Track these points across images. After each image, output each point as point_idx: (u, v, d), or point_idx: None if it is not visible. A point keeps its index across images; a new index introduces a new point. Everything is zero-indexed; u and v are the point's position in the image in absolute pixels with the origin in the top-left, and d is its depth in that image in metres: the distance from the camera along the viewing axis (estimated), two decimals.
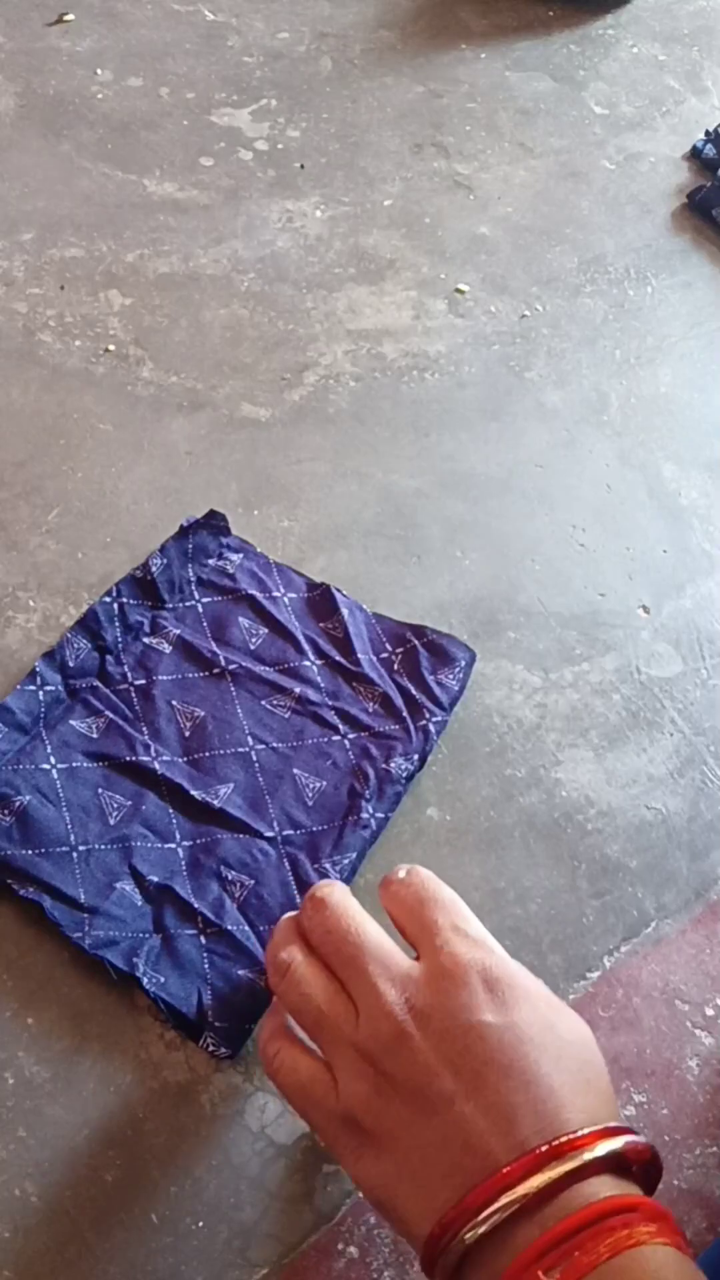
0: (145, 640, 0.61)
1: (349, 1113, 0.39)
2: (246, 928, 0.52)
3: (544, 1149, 0.36)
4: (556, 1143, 0.36)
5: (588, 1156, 0.36)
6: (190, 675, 0.60)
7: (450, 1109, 0.38)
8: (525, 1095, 0.37)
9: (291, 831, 0.55)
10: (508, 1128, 0.37)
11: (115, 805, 0.55)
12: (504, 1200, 0.35)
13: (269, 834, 0.55)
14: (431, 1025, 0.39)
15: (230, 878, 0.53)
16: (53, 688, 0.58)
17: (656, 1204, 0.36)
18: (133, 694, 0.59)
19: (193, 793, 0.55)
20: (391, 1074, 0.39)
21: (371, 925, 0.43)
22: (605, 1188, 0.36)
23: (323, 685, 0.60)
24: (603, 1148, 0.36)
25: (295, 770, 0.57)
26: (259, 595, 0.63)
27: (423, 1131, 0.38)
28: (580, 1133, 0.36)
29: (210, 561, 0.64)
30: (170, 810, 0.55)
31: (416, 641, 0.62)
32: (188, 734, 0.58)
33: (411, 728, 0.59)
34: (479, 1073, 0.38)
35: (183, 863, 0.54)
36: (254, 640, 0.62)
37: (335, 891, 0.44)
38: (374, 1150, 0.39)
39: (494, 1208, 0.35)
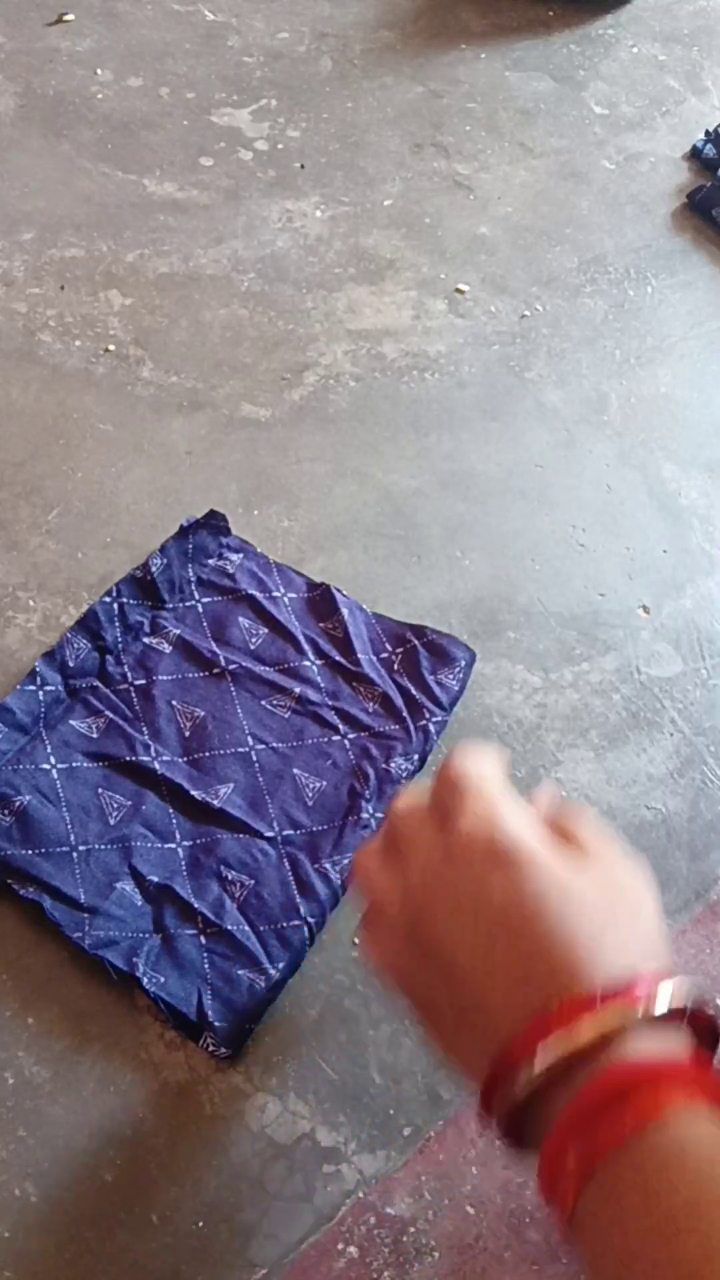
0: (145, 640, 0.61)
1: (394, 985, 0.41)
2: (246, 928, 0.52)
3: (554, 1009, 0.35)
4: (568, 1001, 0.35)
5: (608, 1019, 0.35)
6: (190, 675, 0.60)
7: (471, 979, 0.37)
8: (537, 959, 0.37)
9: (291, 831, 0.55)
10: (522, 989, 0.36)
11: (115, 805, 0.55)
12: (521, 1079, 0.35)
13: (269, 834, 0.55)
14: (440, 902, 0.39)
15: (230, 878, 0.53)
16: (53, 688, 0.58)
17: (691, 1064, 0.35)
18: (133, 694, 0.59)
19: (193, 793, 0.55)
20: (417, 946, 0.39)
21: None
22: (637, 1045, 0.35)
23: (323, 685, 0.60)
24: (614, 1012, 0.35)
25: (295, 770, 0.57)
26: (259, 595, 0.63)
27: (453, 1000, 0.38)
28: (594, 990, 0.36)
29: (210, 561, 0.64)
30: (170, 810, 0.55)
31: (416, 641, 0.62)
32: (188, 734, 0.58)
33: (411, 728, 0.59)
34: (489, 941, 0.37)
35: (183, 863, 0.54)
36: (254, 640, 0.61)
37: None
38: (422, 1018, 0.40)
39: (510, 1088, 0.35)
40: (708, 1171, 0.32)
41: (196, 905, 0.52)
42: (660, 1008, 0.36)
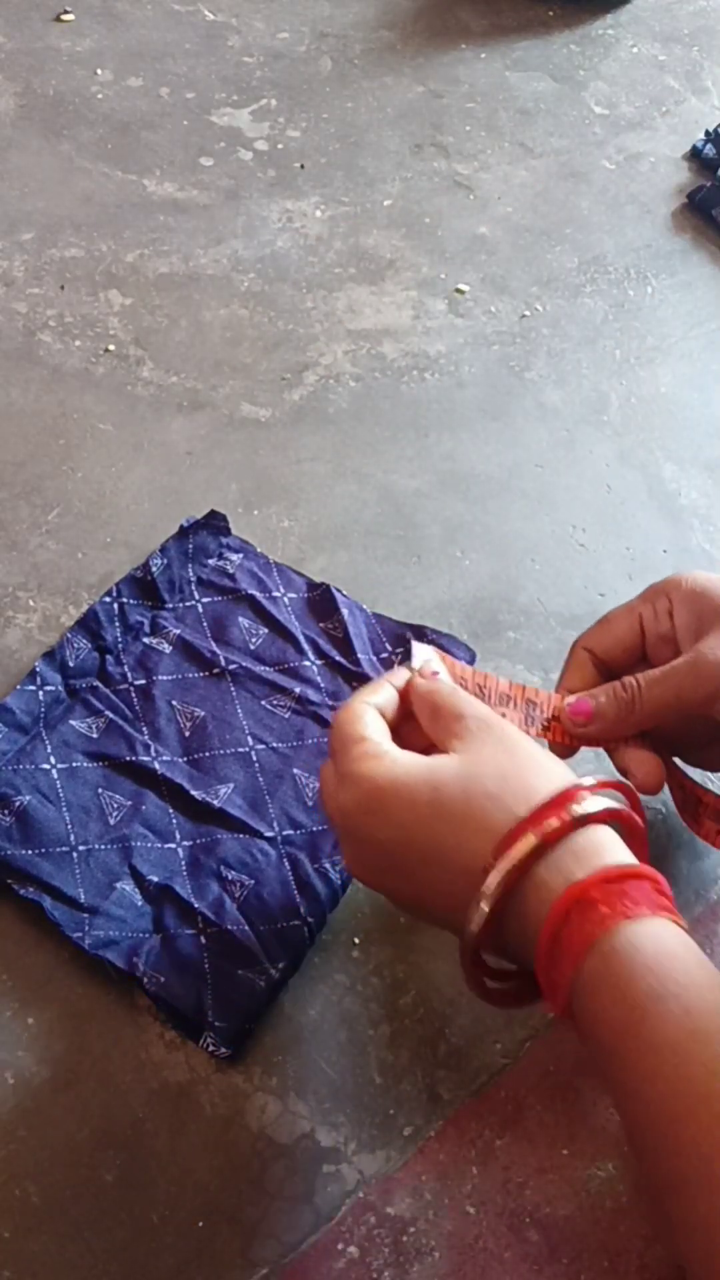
0: (145, 640, 0.61)
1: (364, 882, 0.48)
2: (246, 927, 0.52)
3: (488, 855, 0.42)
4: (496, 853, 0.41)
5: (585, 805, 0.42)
6: (190, 675, 0.60)
7: (418, 891, 0.44)
8: (458, 851, 0.43)
9: (291, 831, 0.55)
10: (460, 873, 0.42)
11: (115, 805, 0.55)
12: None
13: (269, 834, 0.55)
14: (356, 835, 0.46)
15: (230, 878, 0.53)
16: (53, 688, 0.58)
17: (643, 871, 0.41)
18: (133, 694, 0.59)
19: (193, 793, 0.55)
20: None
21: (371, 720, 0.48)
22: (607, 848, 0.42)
23: (323, 685, 0.60)
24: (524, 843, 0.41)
25: (295, 770, 0.57)
26: (259, 595, 0.63)
27: (416, 894, 0.45)
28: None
29: (210, 561, 0.64)
30: (170, 810, 0.55)
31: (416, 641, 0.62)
32: (188, 734, 0.58)
33: None
34: (413, 867, 0.44)
35: (183, 863, 0.54)
36: (254, 640, 0.61)
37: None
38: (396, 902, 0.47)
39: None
40: (656, 962, 0.38)
41: (196, 905, 0.52)
42: (590, 809, 0.42)
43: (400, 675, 0.49)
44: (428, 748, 0.47)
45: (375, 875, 0.46)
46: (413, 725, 0.48)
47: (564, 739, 0.53)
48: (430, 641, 0.62)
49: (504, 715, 0.50)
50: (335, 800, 0.46)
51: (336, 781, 0.46)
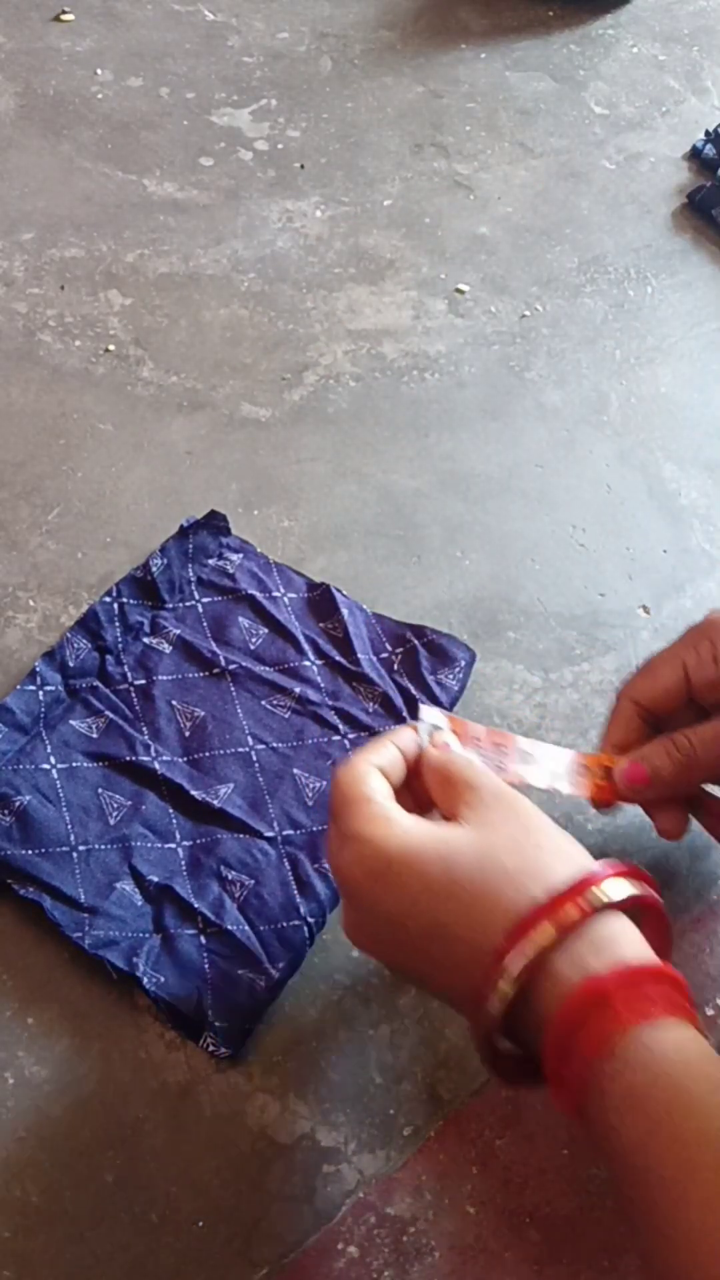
0: (145, 640, 0.61)
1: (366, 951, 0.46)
2: (246, 928, 0.52)
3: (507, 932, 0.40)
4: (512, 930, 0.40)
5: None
6: (190, 675, 0.60)
7: (426, 970, 0.43)
8: (469, 926, 0.41)
9: (292, 831, 0.55)
10: (470, 951, 0.41)
11: (115, 805, 0.55)
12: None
13: (269, 834, 0.55)
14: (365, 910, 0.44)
15: (230, 877, 0.53)
16: (53, 688, 0.58)
17: (661, 969, 0.39)
18: (133, 694, 0.59)
19: (193, 793, 0.55)
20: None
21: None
22: (625, 940, 0.40)
23: (323, 685, 0.60)
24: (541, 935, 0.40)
25: (295, 770, 0.57)
26: (259, 595, 0.63)
27: (420, 963, 0.43)
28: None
29: (210, 561, 0.64)
30: (170, 810, 0.55)
31: (416, 641, 0.62)
32: (188, 734, 0.58)
33: None
34: (421, 943, 0.42)
35: (183, 863, 0.54)
36: (254, 640, 0.61)
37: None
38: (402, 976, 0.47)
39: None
40: (673, 1070, 0.37)
41: (196, 905, 0.52)
42: (610, 896, 0.40)
43: (404, 735, 0.48)
44: (427, 811, 0.46)
45: (375, 943, 0.45)
46: (413, 788, 0.47)
47: (611, 797, 0.52)
48: (429, 642, 0.62)
49: (524, 777, 0.50)
50: (337, 861, 0.44)
51: (340, 842, 0.44)
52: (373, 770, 0.45)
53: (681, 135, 0.95)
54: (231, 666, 0.60)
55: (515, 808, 0.44)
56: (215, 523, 0.65)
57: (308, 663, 0.61)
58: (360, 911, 0.44)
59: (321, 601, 0.63)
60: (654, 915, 0.43)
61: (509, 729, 0.61)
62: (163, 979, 0.50)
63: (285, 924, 0.52)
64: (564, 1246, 0.47)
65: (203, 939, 0.51)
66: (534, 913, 0.40)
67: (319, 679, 0.60)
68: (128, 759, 0.56)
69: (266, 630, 0.62)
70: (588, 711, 0.62)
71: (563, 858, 0.42)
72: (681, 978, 0.40)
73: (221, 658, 0.60)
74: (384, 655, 0.62)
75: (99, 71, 0.91)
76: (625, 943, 0.40)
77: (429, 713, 0.50)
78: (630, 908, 0.42)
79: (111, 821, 0.54)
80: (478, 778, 0.45)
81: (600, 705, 0.63)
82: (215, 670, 0.60)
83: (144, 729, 0.58)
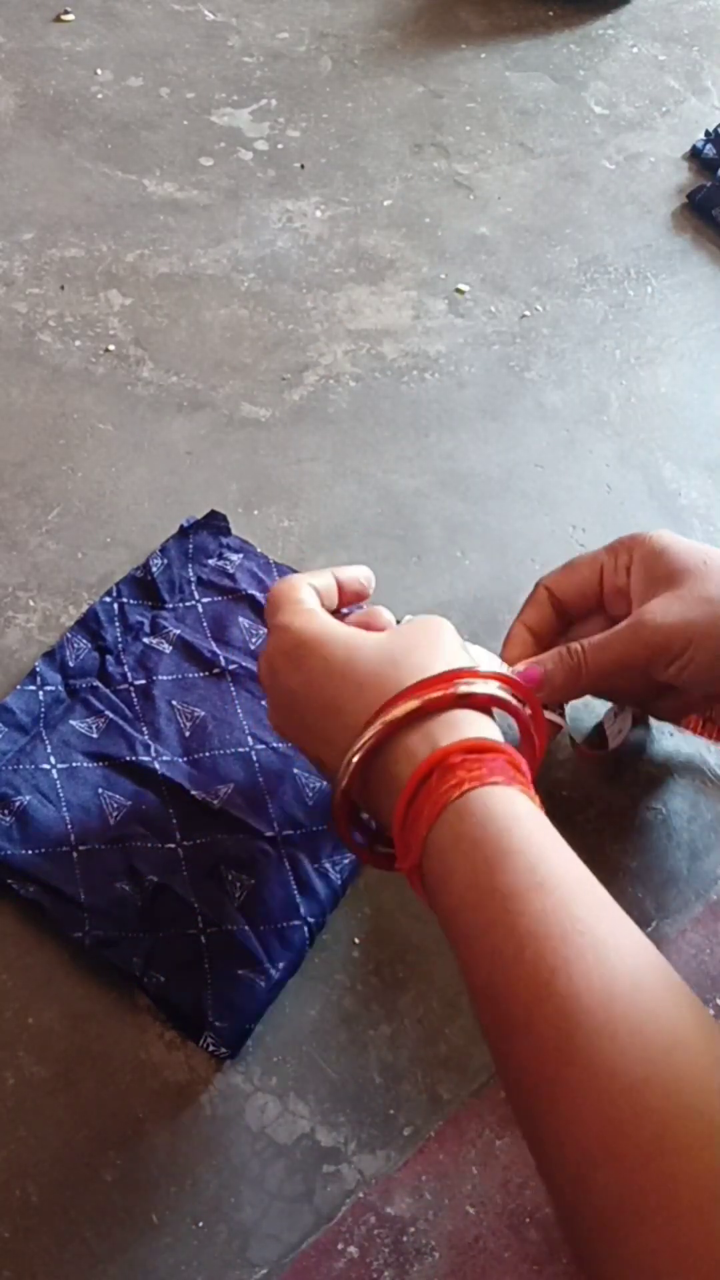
0: (145, 640, 0.61)
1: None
2: (246, 927, 0.52)
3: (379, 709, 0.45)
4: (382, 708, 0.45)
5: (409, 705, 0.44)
6: (190, 675, 0.60)
7: (320, 729, 0.47)
8: (356, 699, 0.46)
9: (291, 831, 0.55)
10: (355, 717, 0.45)
11: (115, 805, 0.55)
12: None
13: (269, 834, 0.55)
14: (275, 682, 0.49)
15: (230, 877, 0.53)
16: (53, 688, 0.58)
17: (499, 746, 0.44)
18: (133, 694, 0.59)
19: (193, 793, 0.55)
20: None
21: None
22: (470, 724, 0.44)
23: None
24: (404, 705, 0.44)
25: (295, 770, 0.57)
26: (259, 595, 0.63)
27: (319, 744, 0.48)
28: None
29: (210, 561, 0.64)
30: (170, 810, 0.55)
31: None
32: (188, 734, 0.58)
33: None
34: (319, 712, 0.47)
35: (182, 862, 0.54)
36: (254, 640, 0.61)
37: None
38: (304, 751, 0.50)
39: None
40: (506, 824, 0.41)
41: (196, 905, 0.52)
42: (476, 689, 0.45)
43: (346, 569, 0.53)
44: None
45: (285, 722, 0.50)
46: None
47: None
48: None
49: None
50: (262, 651, 0.50)
51: (267, 637, 0.50)
52: (305, 584, 0.51)
53: (681, 135, 0.95)
54: (231, 666, 0.60)
55: (434, 626, 0.48)
56: (215, 523, 0.65)
57: None
58: (274, 691, 0.49)
59: None
60: (524, 733, 0.48)
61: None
62: (163, 979, 0.50)
63: (285, 924, 0.52)
64: (564, 1246, 0.47)
65: (202, 939, 0.51)
66: (402, 692, 0.44)
67: None
68: (128, 759, 0.56)
69: (266, 630, 0.62)
70: (588, 711, 0.62)
71: (448, 658, 0.46)
72: (522, 759, 0.44)
73: (221, 658, 0.60)
74: None
75: (99, 71, 0.91)
76: (477, 727, 0.44)
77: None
78: (491, 705, 0.46)
79: (111, 821, 0.54)
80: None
81: (600, 705, 0.63)
82: (215, 670, 0.60)
83: (144, 729, 0.58)
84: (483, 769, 0.42)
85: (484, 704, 0.46)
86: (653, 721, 0.62)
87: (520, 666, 0.54)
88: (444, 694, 0.44)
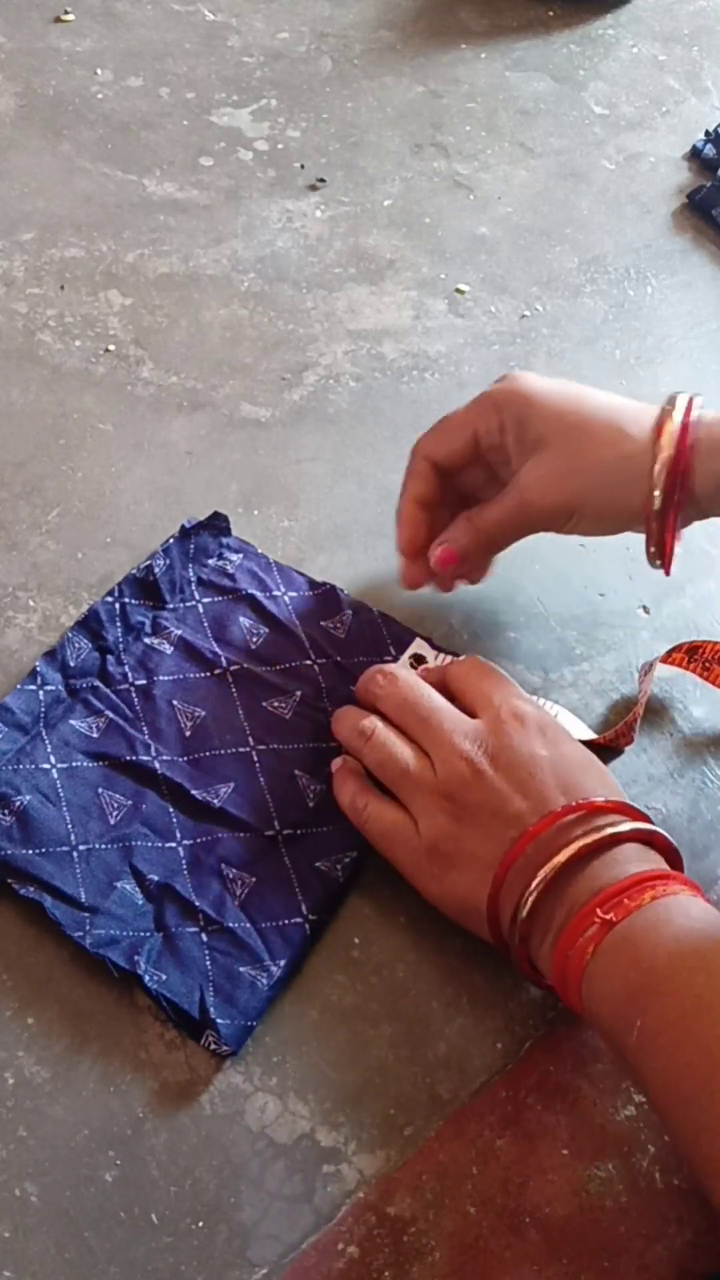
0: (146, 640, 0.61)
1: (432, 844, 0.49)
2: (248, 925, 0.52)
3: (570, 806, 0.47)
4: (578, 803, 0.47)
5: (620, 825, 0.47)
6: (191, 675, 0.60)
7: (521, 823, 0.48)
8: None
9: (292, 831, 0.55)
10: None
11: (115, 805, 0.55)
12: (544, 856, 0.46)
13: (269, 833, 0.55)
14: (500, 761, 0.50)
15: (231, 876, 0.53)
16: (53, 687, 0.58)
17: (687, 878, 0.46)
18: (133, 694, 0.59)
19: (193, 792, 0.55)
20: (470, 804, 0.49)
21: (437, 694, 0.53)
22: (641, 860, 0.46)
23: (324, 685, 0.60)
24: (628, 825, 0.47)
25: (296, 771, 0.57)
26: (259, 595, 0.63)
27: (499, 845, 0.48)
28: (598, 798, 0.48)
29: (210, 562, 0.64)
30: (171, 810, 0.55)
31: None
32: (188, 734, 0.58)
33: None
34: (541, 793, 0.48)
35: (183, 862, 0.54)
36: (255, 640, 0.61)
37: (402, 670, 0.55)
38: (456, 869, 0.49)
39: (541, 868, 0.46)
40: (683, 934, 0.42)
41: (197, 903, 0.52)
42: (626, 826, 0.47)
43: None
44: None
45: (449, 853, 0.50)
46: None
47: (420, 578, 0.61)
48: (432, 643, 0.62)
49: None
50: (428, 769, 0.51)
51: (425, 760, 0.52)
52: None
53: (681, 135, 0.95)
54: (232, 667, 0.60)
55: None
56: (217, 524, 0.65)
57: (309, 663, 0.61)
58: (497, 752, 0.51)
59: (323, 601, 0.63)
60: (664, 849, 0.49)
61: None
62: (164, 977, 0.50)
63: (286, 921, 0.52)
64: (564, 1246, 0.47)
65: (204, 936, 0.52)
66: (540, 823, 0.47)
67: (320, 679, 0.60)
68: (128, 759, 0.56)
69: (267, 630, 0.62)
70: (588, 711, 0.62)
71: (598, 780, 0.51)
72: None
73: (222, 658, 0.60)
74: (387, 657, 0.62)
75: (99, 71, 0.91)
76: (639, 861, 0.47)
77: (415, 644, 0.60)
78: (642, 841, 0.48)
79: (112, 821, 0.54)
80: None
81: (600, 705, 0.63)
82: (216, 670, 0.60)
83: (144, 729, 0.58)
84: (668, 886, 0.45)
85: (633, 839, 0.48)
86: (653, 723, 0.62)
87: (436, 550, 0.58)
88: (619, 832, 0.47)
